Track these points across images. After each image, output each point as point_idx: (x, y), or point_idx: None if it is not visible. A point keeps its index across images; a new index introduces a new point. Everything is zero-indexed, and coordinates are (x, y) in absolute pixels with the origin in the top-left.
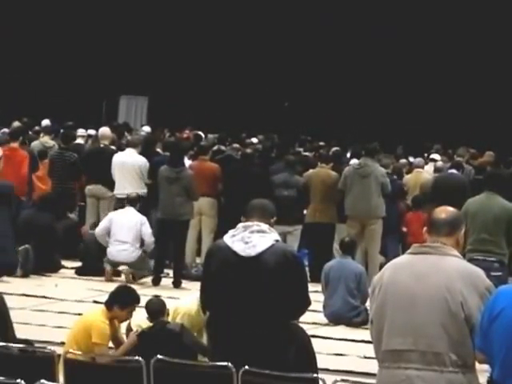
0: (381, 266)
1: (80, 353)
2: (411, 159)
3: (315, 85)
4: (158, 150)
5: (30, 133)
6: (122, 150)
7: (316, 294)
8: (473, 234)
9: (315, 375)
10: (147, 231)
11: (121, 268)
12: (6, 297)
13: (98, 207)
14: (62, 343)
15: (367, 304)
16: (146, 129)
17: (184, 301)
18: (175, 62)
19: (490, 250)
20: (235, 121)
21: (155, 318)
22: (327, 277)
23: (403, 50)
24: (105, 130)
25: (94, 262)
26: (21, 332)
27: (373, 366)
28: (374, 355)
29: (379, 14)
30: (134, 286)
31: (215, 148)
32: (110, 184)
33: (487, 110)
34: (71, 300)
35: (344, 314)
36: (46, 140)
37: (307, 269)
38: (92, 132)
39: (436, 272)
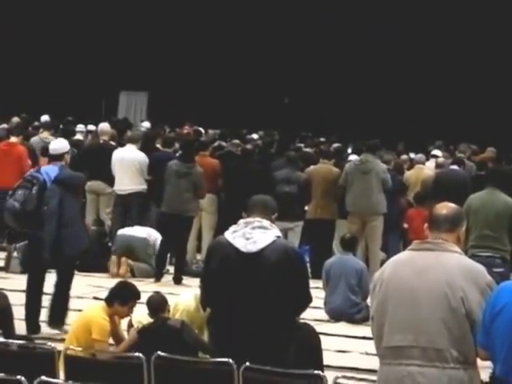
0: (382, 263)
1: (80, 349)
2: (412, 155)
3: (315, 81)
4: (158, 145)
5: (30, 128)
6: (122, 145)
7: (317, 291)
8: (475, 230)
9: (316, 372)
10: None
11: (123, 259)
12: (6, 293)
13: (97, 203)
14: (63, 340)
15: (368, 300)
16: (146, 124)
17: (183, 297)
18: (175, 57)
19: (493, 246)
20: (235, 117)
21: (156, 314)
22: (328, 273)
23: (404, 47)
24: (104, 126)
25: (94, 257)
26: (20, 328)
27: (374, 363)
28: (375, 352)
29: (380, 11)
30: (134, 282)
31: (216, 144)
32: (110, 180)
33: (489, 107)
34: (71, 296)
35: (345, 311)
36: (45, 135)
37: (308, 265)
38: (91, 128)
39: (437, 268)
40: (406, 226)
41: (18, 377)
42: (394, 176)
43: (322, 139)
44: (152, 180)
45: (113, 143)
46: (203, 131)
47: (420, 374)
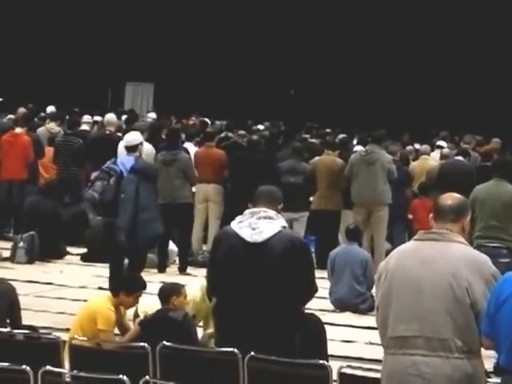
0: (387, 253)
1: (85, 339)
2: (417, 146)
3: (321, 72)
4: (164, 136)
5: (36, 119)
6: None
7: (322, 281)
8: (481, 220)
9: (321, 361)
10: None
11: None
12: (11, 283)
13: None
14: (68, 329)
15: (373, 291)
16: (152, 115)
17: (189, 287)
18: (181, 48)
19: (499, 236)
20: (241, 108)
21: (163, 303)
22: (333, 263)
23: (410, 38)
24: (110, 117)
25: (99, 248)
26: (26, 318)
27: (379, 353)
28: (379, 342)
29: (385, 3)
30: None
31: (222, 135)
32: None
33: (493, 98)
34: (76, 286)
35: (350, 301)
36: (51, 126)
37: (313, 255)
38: (98, 118)
39: (442, 258)
40: (410, 216)
41: (24, 366)
42: (400, 167)
43: (328, 130)
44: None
45: (119, 134)
46: (209, 122)
47: (424, 363)
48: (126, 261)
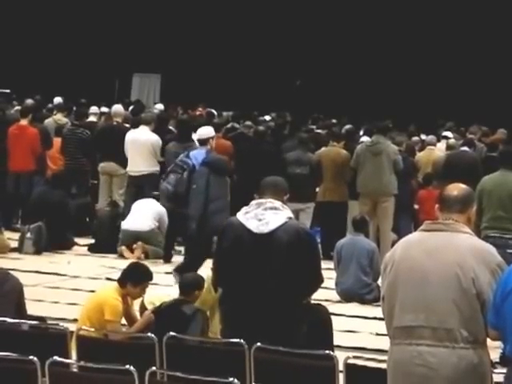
0: (393, 244)
1: (93, 330)
2: (423, 137)
3: (327, 62)
4: (171, 127)
5: (44, 110)
6: (136, 127)
7: (328, 272)
8: (489, 211)
9: (327, 352)
10: (165, 223)
11: (134, 246)
12: (18, 274)
13: (110, 184)
14: (75, 320)
15: (379, 281)
16: (159, 106)
17: None
18: (188, 40)
19: (506, 227)
20: (248, 98)
21: (183, 294)
22: (339, 254)
23: (416, 28)
24: (117, 108)
25: (106, 239)
26: (34, 309)
27: (384, 343)
28: (385, 332)
29: None
30: (146, 264)
31: (229, 125)
32: (123, 161)
33: (499, 88)
34: (84, 277)
35: (356, 291)
36: (59, 117)
37: (320, 246)
38: (105, 110)
39: (448, 248)
40: (416, 206)
41: (31, 357)
42: (405, 157)
43: (334, 121)
44: (165, 161)
45: (126, 125)
46: (216, 113)
47: (430, 353)
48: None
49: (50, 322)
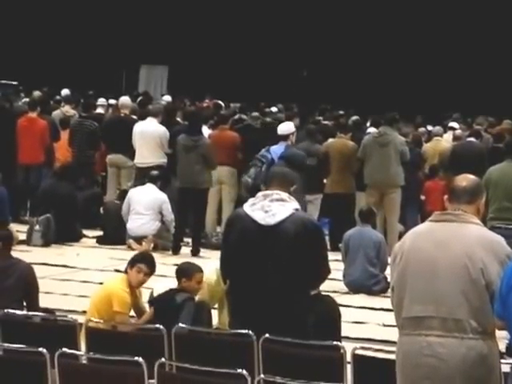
0: (400, 235)
1: (101, 321)
2: (430, 128)
3: (334, 54)
4: (178, 119)
5: (51, 102)
6: (143, 119)
7: (336, 263)
8: (495, 202)
9: (335, 343)
10: (167, 210)
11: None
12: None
13: (118, 176)
14: (84, 312)
15: (387, 272)
16: (167, 98)
17: (204, 270)
18: (195, 31)
19: None
20: (254, 90)
21: (177, 281)
22: (347, 245)
23: (422, 19)
24: (125, 100)
25: (115, 231)
26: (42, 301)
27: (392, 334)
28: (393, 323)
29: None
30: (154, 255)
31: (236, 117)
32: (131, 153)
33: (506, 79)
34: (92, 269)
35: (363, 283)
36: (66, 109)
37: (327, 238)
38: (112, 101)
39: (457, 239)
40: (423, 198)
41: (40, 349)
42: (412, 149)
43: (341, 112)
44: (172, 153)
45: (133, 117)
46: (223, 104)
47: (439, 344)
48: None
49: (58, 314)
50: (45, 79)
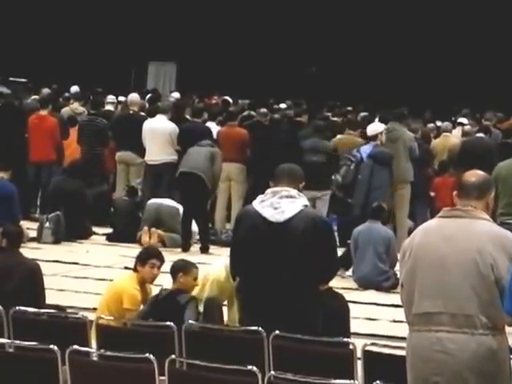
0: (409, 231)
1: (112, 318)
2: (439, 123)
3: (343, 50)
4: (187, 116)
5: (60, 99)
6: (153, 116)
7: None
8: (504, 197)
9: (345, 339)
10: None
11: (153, 229)
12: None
13: (128, 173)
14: (94, 309)
15: (396, 268)
16: (175, 95)
17: (214, 267)
18: (204, 28)
19: None
20: (263, 86)
21: (172, 279)
22: (356, 242)
23: (431, 14)
24: (134, 97)
25: (124, 228)
26: (53, 298)
27: (402, 330)
28: (403, 319)
29: None
30: (163, 252)
31: (245, 113)
32: (140, 150)
33: None
34: (102, 266)
35: (373, 279)
36: (75, 106)
37: (336, 234)
38: (121, 98)
39: (466, 235)
40: (432, 194)
41: (51, 346)
42: (421, 144)
43: (350, 108)
44: (182, 150)
45: (142, 114)
46: (232, 101)
47: (449, 339)
48: None
49: (69, 310)
50: (54, 76)
